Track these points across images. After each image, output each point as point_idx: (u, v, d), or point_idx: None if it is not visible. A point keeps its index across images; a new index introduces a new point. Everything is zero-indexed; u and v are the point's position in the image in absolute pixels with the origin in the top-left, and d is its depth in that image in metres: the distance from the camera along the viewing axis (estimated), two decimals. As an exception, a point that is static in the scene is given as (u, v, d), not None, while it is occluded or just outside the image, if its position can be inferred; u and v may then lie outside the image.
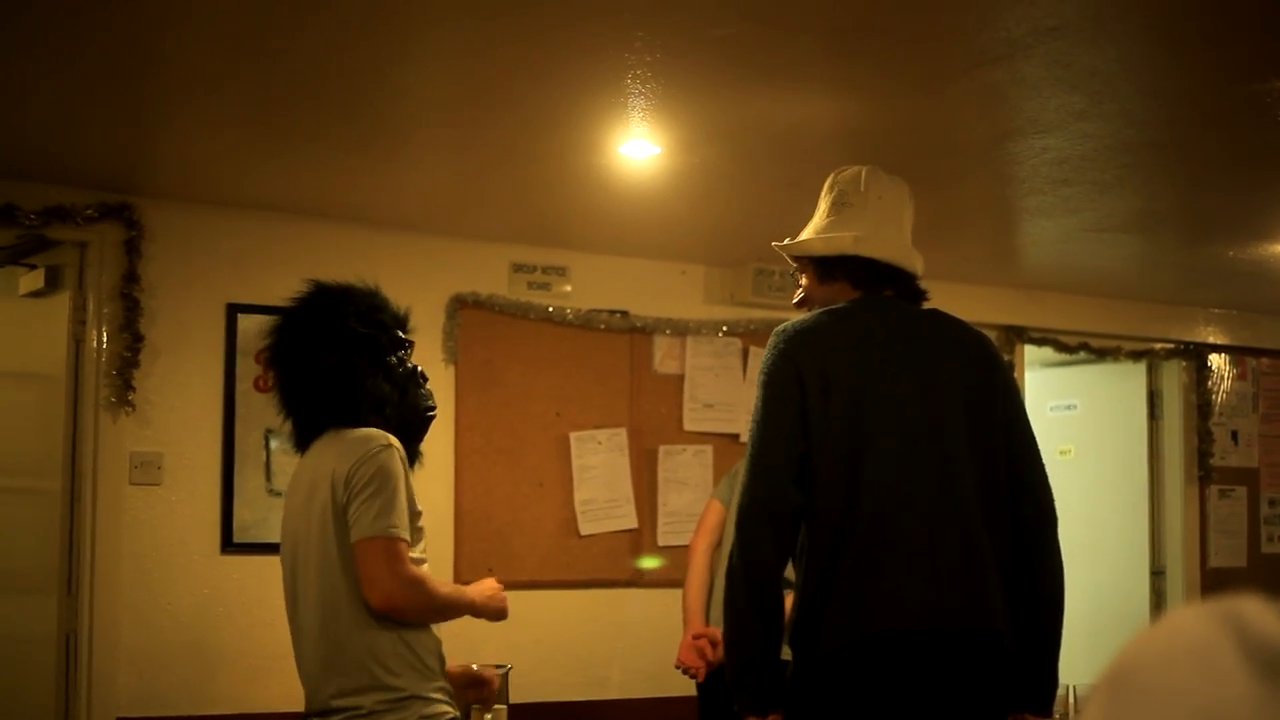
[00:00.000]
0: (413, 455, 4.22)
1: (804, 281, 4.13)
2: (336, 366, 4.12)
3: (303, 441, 4.22)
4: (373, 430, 4.04)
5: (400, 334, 4.27)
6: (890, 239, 4.03)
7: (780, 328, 3.95)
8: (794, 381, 3.82)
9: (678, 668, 5.79)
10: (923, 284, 4.10)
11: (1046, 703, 4.01)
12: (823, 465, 3.79)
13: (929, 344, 3.95)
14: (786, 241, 4.16)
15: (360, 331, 4.16)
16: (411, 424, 4.21)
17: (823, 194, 4.15)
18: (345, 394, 4.11)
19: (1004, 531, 3.87)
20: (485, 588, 4.36)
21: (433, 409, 4.32)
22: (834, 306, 3.99)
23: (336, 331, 4.15)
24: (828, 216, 4.09)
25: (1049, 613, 3.95)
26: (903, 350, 3.91)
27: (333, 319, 4.18)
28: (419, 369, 4.31)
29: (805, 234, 4.13)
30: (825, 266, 4.06)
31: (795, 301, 4.20)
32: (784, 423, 3.81)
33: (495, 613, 4.39)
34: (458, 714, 4.08)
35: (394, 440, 4.03)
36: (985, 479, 3.86)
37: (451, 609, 4.18)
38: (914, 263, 4.06)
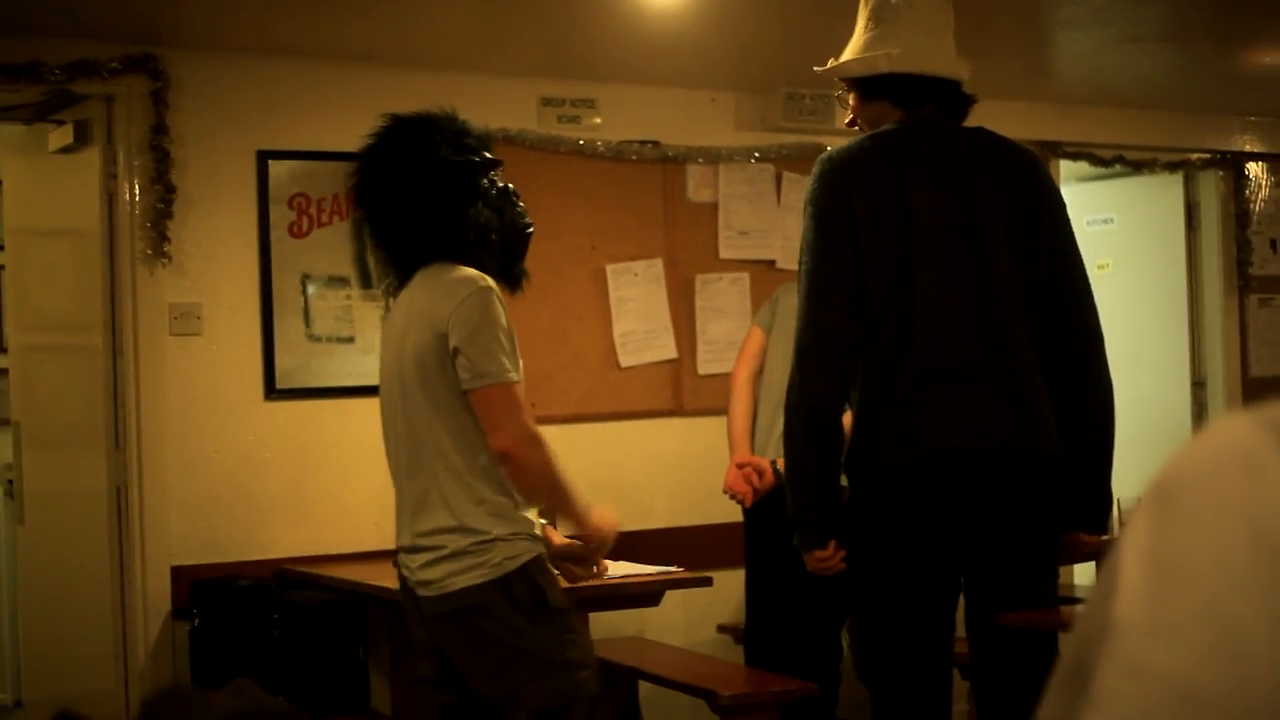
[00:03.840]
0: (518, 275, 4.24)
1: (851, 102, 4.10)
2: (434, 198, 4.06)
3: (402, 279, 4.18)
4: (471, 271, 4.01)
5: (488, 155, 4.20)
6: (929, 50, 3.98)
7: (824, 155, 3.95)
8: (845, 211, 3.81)
9: (725, 493, 5.84)
10: (968, 90, 4.05)
11: (1101, 521, 4.04)
12: (875, 294, 3.79)
13: (974, 165, 3.93)
14: (829, 64, 4.13)
15: (453, 159, 4.09)
16: (514, 244, 4.19)
17: (860, 7, 4.09)
18: (447, 226, 4.06)
19: (1049, 352, 3.86)
20: (604, 513, 4.24)
21: (530, 225, 4.27)
22: (877, 130, 3.96)
23: (428, 162, 4.08)
24: (865, 34, 4.04)
25: (1099, 432, 3.95)
26: (948, 173, 3.89)
27: (422, 150, 4.10)
28: (510, 187, 4.24)
29: (846, 54, 4.08)
30: (866, 87, 4.03)
31: (846, 123, 4.17)
32: (839, 254, 3.80)
33: (598, 538, 4.23)
34: (542, 551, 4.08)
35: (491, 282, 4.02)
36: (1030, 300, 3.85)
37: (560, 489, 4.11)
38: (956, 70, 4.02)
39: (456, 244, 4.06)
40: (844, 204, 3.81)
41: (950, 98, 4.02)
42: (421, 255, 4.10)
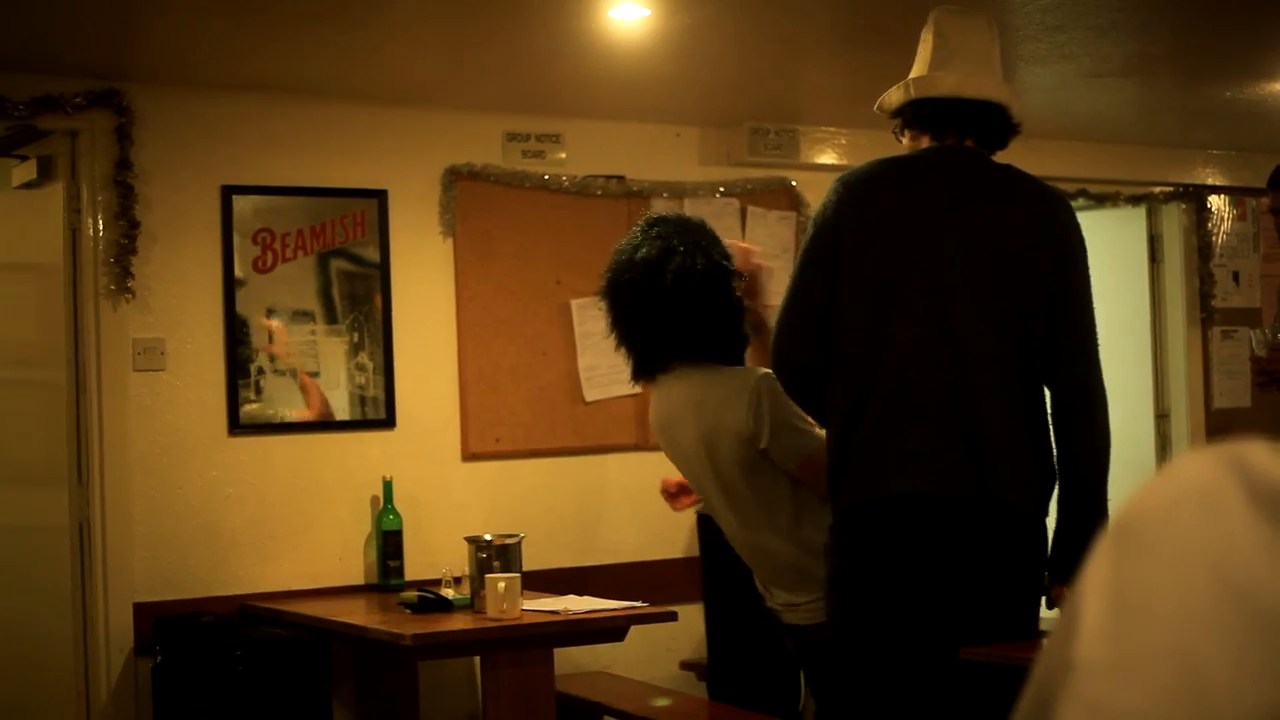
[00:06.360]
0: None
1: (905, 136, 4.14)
2: (711, 302, 4.28)
3: (651, 370, 4.45)
4: (745, 369, 4.30)
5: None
6: (951, 75, 3.95)
7: (841, 175, 3.99)
8: (831, 238, 3.83)
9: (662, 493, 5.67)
10: (1014, 115, 4.02)
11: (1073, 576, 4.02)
12: (849, 323, 3.78)
13: (984, 202, 3.85)
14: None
15: (722, 264, 4.29)
16: (745, 348, 4.43)
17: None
18: (721, 328, 4.30)
19: (1036, 404, 3.82)
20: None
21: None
22: (896, 155, 3.97)
23: (701, 265, 4.26)
24: (914, 69, 4.10)
25: (1081, 488, 3.86)
26: (952, 207, 3.83)
27: (695, 253, 4.28)
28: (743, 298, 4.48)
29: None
30: (898, 118, 4.07)
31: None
32: (813, 281, 3.85)
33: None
34: None
35: (762, 370, 4.23)
36: (1017, 348, 3.78)
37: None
38: (985, 92, 3.97)
39: (720, 345, 4.32)
40: (832, 230, 3.84)
41: (983, 124, 3.97)
42: (686, 353, 4.33)
